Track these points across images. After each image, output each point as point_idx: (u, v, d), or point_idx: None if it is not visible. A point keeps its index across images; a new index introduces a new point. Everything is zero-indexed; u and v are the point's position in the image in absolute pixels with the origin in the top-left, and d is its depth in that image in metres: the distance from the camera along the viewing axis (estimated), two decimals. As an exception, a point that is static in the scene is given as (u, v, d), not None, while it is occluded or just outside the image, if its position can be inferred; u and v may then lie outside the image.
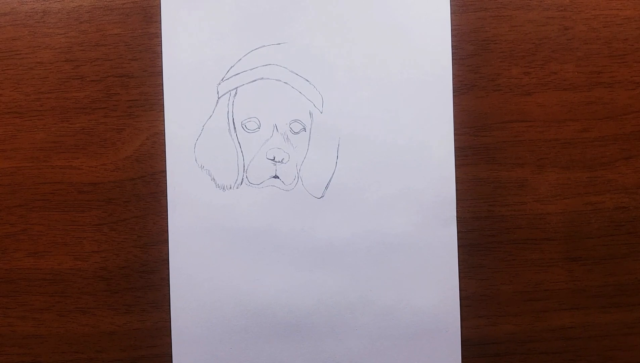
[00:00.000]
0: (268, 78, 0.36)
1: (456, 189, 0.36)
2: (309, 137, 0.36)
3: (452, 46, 0.36)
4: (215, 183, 0.36)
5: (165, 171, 0.36)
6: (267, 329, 0.36)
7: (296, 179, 0.36)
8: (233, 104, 0.36)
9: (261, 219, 0.36)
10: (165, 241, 0.36)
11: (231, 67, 0.36)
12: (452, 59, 0.36)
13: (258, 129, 0.36)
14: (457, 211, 0.36)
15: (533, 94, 0.36)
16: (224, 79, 0.36)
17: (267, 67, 0.36)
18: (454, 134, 0.36)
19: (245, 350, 0.36)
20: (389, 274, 0.36)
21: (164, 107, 0.36)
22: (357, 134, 0.36)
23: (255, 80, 0.36)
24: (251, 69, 0.36)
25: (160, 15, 0.36)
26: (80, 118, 0.36)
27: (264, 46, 0.36)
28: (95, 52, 0.36)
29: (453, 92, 0.36)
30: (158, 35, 0.36)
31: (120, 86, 0.36)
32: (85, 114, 0.36)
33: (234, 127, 0.36)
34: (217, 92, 0.36)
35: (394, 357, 0.36)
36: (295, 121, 0.36)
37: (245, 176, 0.36)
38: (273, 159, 0.36)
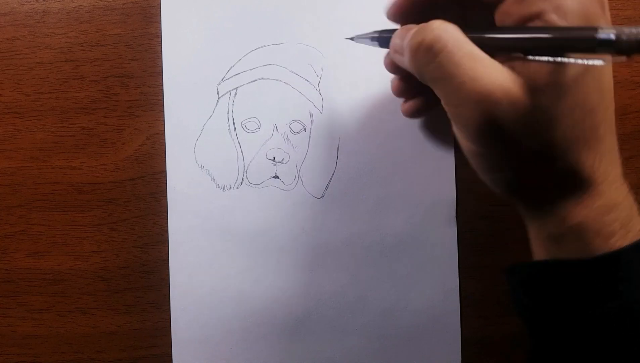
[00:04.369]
0: (268, 78, 0.36)
1: (456, 189, 0.36)
2: (309, 137, 0.36)
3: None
4: (215, 183, 0.36)
5: (165, 171, 0.36)
6: (267, 329, 0.36)
7: (296, 179, 0.36)
8: (233, 104, 0.36)
9: (261, 219, 0.36)
10: (165, 241, 0.36)
11: (231, 67, 0.36)
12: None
13: (258, 129, 0.36)
14: (457, 211, 0.36)
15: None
16: (224, 79, 0.36)
17: (267, 67, 0.36)
18: (454, 135, 0.36)
19: (245, 350, 0.36)
20: (389, 274, 0.36)
21: (164, 107, 0.36)
22: (357, 134, 0.36)
23: (255, 80, 0.36)
24: (251, 69, 0.36)
25: (160, 15, 0.36)
26: (80, 118, 0.36)
27: (264, 46, 0.36)
28: (95, 52, 0.36)
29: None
30: (158, 35, 0.36)
31: (120, 86, 0.36)
32: (85, 114, 0.36)
33: (234, 128, 0.36)
34: (217, 92, 0.36)
35: (394, 357, 0.36)
36: (295, 121, 0.36)
37: (245, 176, 0.36)
38: (273, 160, 0.36)
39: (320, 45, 0.35)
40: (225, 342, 0.36)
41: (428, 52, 0.26)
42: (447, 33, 0.25)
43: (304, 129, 0.36)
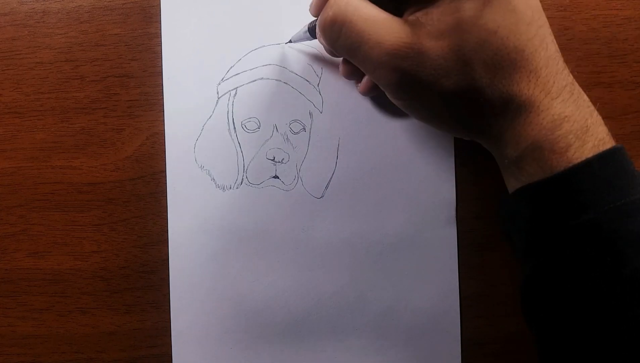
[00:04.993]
0: (268, 78, 0.36)
1: (456, 189, 0.36)
2: (309, 137, 0.36)
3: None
4: (215, 183, 0.36)
5: (165, 171, 0.36)
6: (267, 329, 0.36)
7: (296, 179, 0.36)
8: (233, 104, 0.36)
9: (261, 219, 0.36)
10: (165, 241, 0.36)
11: (231, 67, 0.36)
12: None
13: (258, 129, 0.36)
14: (457, 211, 0.36)
15: (533, 94, 0.36)
16: (224, 79, 0.36)
17: (267, 67, 0.36)
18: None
19: (245, 350, 0.36)
20: (389, 274, 0.36)
21: (163, 107, 0.36)
22: (357, 134, 0.36)
23: (255, 80, 0.36)
24: (251, 69, 0.36)
25: (160, 15, 0.36)
26: (80, 118, 0.36)
27: (264, 46, 0.36)
28: (95, 52, 0.36)
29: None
30: (158, 35, 0.36)
31: (120, 86, 0.36)
32: (85, 114, 0.36)
33: (234, 128, 0.36)
34: (217, 92, 0.36)
35: (394, 357, 0.36)
36: (295, 121, 0.36)
37: (245, 176, 0.36)
38: (273, 159, 0.36)
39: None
40: (225, 342, 0.36)
41: (333, 28, 0.27)
42: (345, 4, 0.26)
43: (304, 129, 0.36)
